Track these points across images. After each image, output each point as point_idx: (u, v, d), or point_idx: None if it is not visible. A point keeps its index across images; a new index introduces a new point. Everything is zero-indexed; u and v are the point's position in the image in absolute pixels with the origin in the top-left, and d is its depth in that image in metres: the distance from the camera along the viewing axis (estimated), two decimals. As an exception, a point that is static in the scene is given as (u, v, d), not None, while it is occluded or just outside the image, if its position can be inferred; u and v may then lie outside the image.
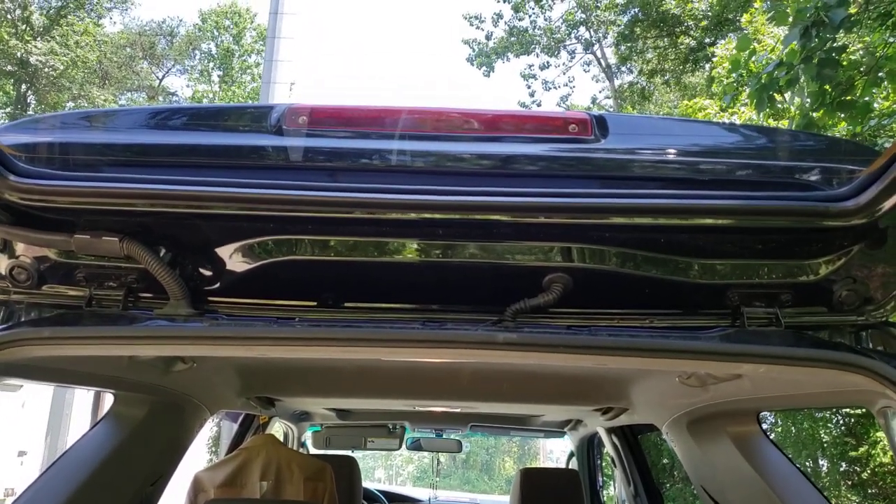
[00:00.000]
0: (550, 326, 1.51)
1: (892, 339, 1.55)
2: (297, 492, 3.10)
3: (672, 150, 1.57)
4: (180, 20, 29.27)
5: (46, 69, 23.20)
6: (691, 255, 1.53)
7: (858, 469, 10.34)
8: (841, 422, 11.00)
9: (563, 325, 1.53)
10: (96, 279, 1.54)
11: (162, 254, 1.48)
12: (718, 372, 1.82)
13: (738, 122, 9.86)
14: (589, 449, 4.55)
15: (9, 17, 23.42)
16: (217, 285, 1.58)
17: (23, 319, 1.55)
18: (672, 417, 2.68)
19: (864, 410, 9.86)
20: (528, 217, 1.38)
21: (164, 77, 29.14)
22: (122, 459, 2.32)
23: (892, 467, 9.63)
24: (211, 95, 26.59)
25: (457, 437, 5.42)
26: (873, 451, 9.81)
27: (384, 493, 5.40)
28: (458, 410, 3.88)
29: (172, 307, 1.48)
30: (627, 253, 1.52)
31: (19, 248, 1.51)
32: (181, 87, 33.22)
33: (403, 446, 5.14)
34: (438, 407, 3.73)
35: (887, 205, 1.30)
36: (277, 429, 4.26)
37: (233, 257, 1.54)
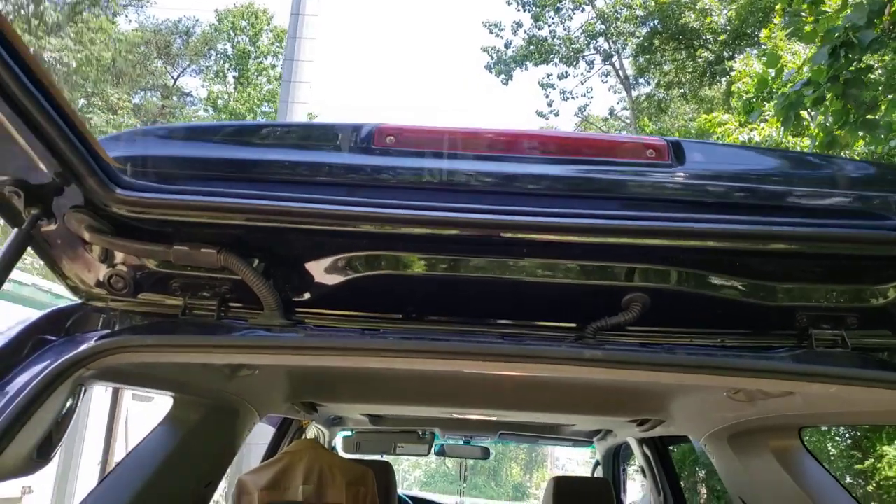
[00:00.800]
0: (627, 344, 1.56)
1: None
2: (339, 496, 3.15)
3: (745, 177, 1.63)
4: (196, 20, 29.40)
5: (59, 66, 23.32)
6: (763, 278, 1.58)
7: (863, 482, 10.38)
8: (847, 435, 11.07)
9: (637, 343, 1.59)
10: (190, 289, 1.60)
11: (255, 265, 1.54)
12: (789, 391, 1.87)
13: (757, 136, 9.90)
14: (615, 458, 4.60)
15: (22, 12, 23.56)
16: (305, 297, 1.64)
17: (117, 327, 1.61)
18: (712, 430, 2.72)
19: (869, 425, 9.96)
20: (606, 238, 1.43)
21: (178, 77, 29.34)
22: (183, 461, 2.38)
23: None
24: (226, 97, 26.71)
25: (485, 445, 5.47)
26: (879, 465, 9.88)
27: (413, 497, 5.45)
28: (494, 419, 3.94)
29: (266, 317, 1.53)
30: (701, 275, 1.57)
31: (117, 257, 1.56)
32: (196, 88, 33.42)
33: (431, 452, 5.20)
34: (475, 415, 3.78)
35: None
36: (310, 433, 4.32)
37: (321, 270, 1.60)
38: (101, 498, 2.17)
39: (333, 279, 1.60)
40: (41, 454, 1.40)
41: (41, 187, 1.34)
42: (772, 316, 1.63)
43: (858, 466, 10.18)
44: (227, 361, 1.85)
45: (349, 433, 4.95)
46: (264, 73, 26.44)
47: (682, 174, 1.59)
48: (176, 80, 29.55)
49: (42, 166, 1.27)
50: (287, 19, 12.26)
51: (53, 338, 1.52)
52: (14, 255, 1.33)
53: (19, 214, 1.36)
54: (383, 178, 1.57)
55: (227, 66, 27.95)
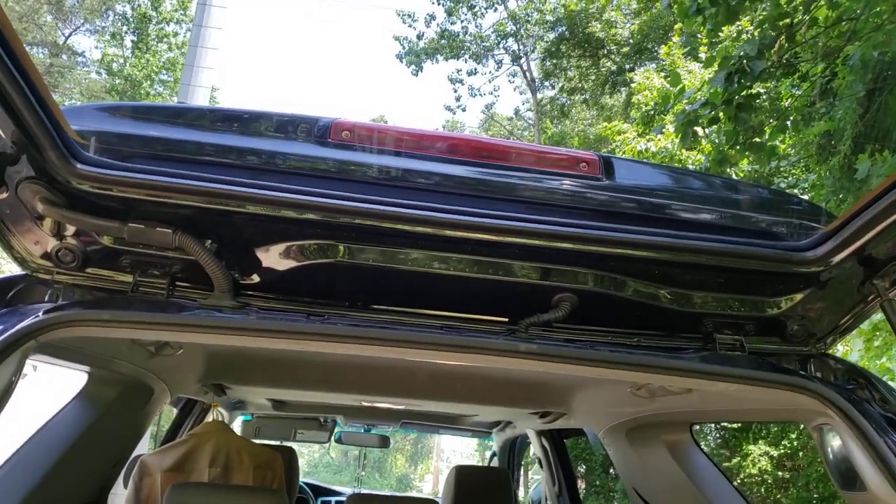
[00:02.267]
0: (556, 340, 1.69)
1: (829, 367, 1.85)
2: (246, 479, 3.13)
3: (667, 195, 1.80)
4: (93, -24, 27.37)
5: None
6: (675, 285, 1.76)
7: (729, 477, 11.27)
8: (717, 435, 12.00)
9: (563, 339, 1.72)
10: (140, 266, 1.59)
11: (208, 246, 1.55)
12: (692, 388, 2.05)
13: (654, 147, 10.49)
14: (511, 450, 4.80)
15: None
16: (253, 280, 1.66)
17: (61, 301, 1.57)
18: (612, 424, 2.93)
19: (739, 426, 10.90)
20: (538, 241, 1.55)
21: (70, 35, 27.38)
22: (94, 440, 2.32)
23: (759, 478, 10.60)
24: (122, 60, 25.19)
25: (385, 433, 5.53)
26: (744, 463, 10.74)
27: (309, 485, 5.45)
28: (401, 407, 4.01)
29: (217, 298, 1.55)
30: (622, 279, 1.72)
31: (67, 230, 1.54)
32: (89, 48, 31.32)
33: (332, 439, 5.21)
34: (383, 403, 3.84)
35: (837, 258, 1.58)
36: (210, 416, 4.23)
37: (270, 255, 1.63)
38: (7, 478, 2.08)
39: (281, 264, 1.64)
40: None
41: None
42: (682, 320, 1.81)
43: (726, 464, 11.01)
44: (177, 340, 1.84)
45: (248, 417, 4.89)
46: (165, 39, 25.03)
47: (610, 187, 1.73)
48: (67, 38, 27.56)
49: (0, 134, 1.24)
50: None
51: None
52: None
53: None
54: (338, 170, 1.61)
55: (125, 28, 26.29)
